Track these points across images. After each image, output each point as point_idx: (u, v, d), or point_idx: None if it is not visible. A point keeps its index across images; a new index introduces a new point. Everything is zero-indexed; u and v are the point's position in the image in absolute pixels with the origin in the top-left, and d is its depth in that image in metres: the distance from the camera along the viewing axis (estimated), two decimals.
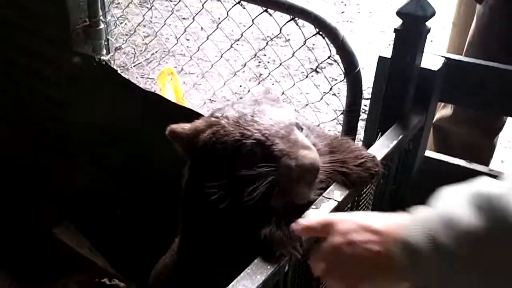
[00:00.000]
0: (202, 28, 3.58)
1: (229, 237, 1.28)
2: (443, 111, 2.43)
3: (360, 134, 2.08)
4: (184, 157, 1.41)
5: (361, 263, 1.03)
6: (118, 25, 3.39)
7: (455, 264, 0.91)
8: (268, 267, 1.10)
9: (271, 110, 1.30)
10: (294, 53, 2.04)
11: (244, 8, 2.02)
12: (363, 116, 2.31)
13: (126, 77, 2.43)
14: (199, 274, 1.42)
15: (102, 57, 2.47)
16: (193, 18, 2.39)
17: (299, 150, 1.18)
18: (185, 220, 1.48)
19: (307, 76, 2.13)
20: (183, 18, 4.07)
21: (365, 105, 2.27)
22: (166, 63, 4.41)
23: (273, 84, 3.86)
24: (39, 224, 2.79)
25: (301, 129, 1.29)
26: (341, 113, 1.93)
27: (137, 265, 2.42)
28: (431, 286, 0.97)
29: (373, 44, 5.24)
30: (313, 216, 1.21)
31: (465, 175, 1.80)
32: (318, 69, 3.91)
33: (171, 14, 2.56)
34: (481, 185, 0.95)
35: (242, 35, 2.20)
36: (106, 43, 2.54)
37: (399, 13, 1.54)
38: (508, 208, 0.86)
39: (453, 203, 0.95)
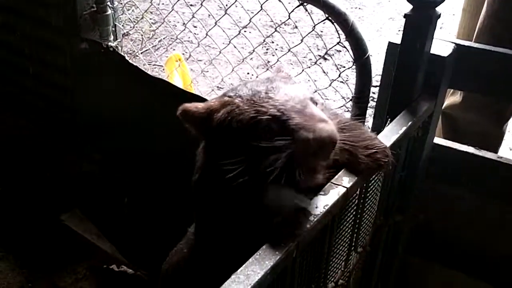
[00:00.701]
0: (209, 14, 3.55)
1: (245, 218, 1.28)
2: (452, 98, 2.42)
3: (369, 121, 2.08)
4: (198, 137, 1.40)
5: None
6: (125, 12, 3.37)
7: None
8: (277, 252, 1.10)
9: (285, 86, 1.29)
10: (302, 39, 2.02)
11: None
12: (372, 103, 2.30)
13: (134, 63, 2.43)
14: (217, 258, 1.42)
15: (109, 43, 2.47)
16: (201, 4, 2.37)
17: (316, 123, 1.17)
18: (200, 204, 1.47)
19: (315, 63, 2.12)
20: (191, 5, 4.05)
21: (374, 93, 2.26)
22: (174, 50, 4.40)
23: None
24: (47, 211, 2.81)
25: (315, 103, 1.28)
26: (350, 100, 1.92)
27: (145, 252, 2.44)
28: None
29: (382, 31, 5.21)
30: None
31: (474, 162, 1.82)
32: (326, 56, 3.89)
33: (178, 0, 2.55)
34: None
35: (250, 21, 2.19)
36: (113, 29, 2.53)
37: None
38: None
39: None
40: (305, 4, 1.83)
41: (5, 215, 2.87)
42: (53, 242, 2.72)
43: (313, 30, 1.94)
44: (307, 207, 1.21)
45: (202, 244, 1.52)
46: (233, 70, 2.46)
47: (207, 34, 2.46)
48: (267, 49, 4.60)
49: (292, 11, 1.94)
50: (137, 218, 2.61)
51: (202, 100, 2.05)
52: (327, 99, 3.69)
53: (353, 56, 1.77)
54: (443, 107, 2.05)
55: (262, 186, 1.20)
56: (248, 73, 4.22)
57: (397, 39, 1.64)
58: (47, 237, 2.74)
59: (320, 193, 1.26)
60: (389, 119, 1.65)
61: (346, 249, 1.51)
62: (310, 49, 3.65)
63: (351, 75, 3.76)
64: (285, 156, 1.16)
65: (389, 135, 1.50)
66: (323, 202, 1.24)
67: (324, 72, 2.29)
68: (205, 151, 1.39)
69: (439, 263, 2.01)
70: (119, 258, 2.64)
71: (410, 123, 1.57)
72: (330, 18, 1.75)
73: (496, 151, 2.47)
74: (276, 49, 4.58)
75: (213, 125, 1.31)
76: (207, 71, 3.87)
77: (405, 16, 1.55)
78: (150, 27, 4.65)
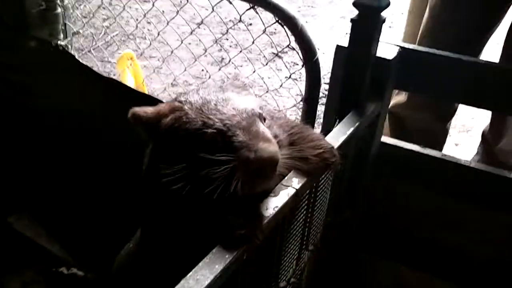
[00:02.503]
0: (163, 11, 3.55)
1: (189, 223, 1.29)
2: (398, 97, 2.49)
3: (320, 119, 2.11)
4: (146, 141, 1.41)
5: None
6: (77, 8, 3.32)
7: None
8: (227, 256, 1.11)
9: (235, 98, 1.30)
10: (254, 40, 2.05)
11: None
12: (324, 100, 2.34)
13: (85, 61, 2.39)
14: (161, 261, 1.43)
15: (59, 42, 2.43)
16: (153, 4, 2.36)
17: (259, 142, 1.18)
18: (145, 206, 1.48)
19: (267, 64, 2.15)
20: (144, 1, 4.02)
21: (326, 90, 2.30)
22: (127, 46, 4.35)
23: (235, 68, 3.86)
24: None
25: (263, 119, 1.30)
26: (301, 100, 1.95)
27: (95, 254, 2.41)
28: None
29: (334, 29, 5.28)
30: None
31: (420, 159, 1.89)
32: (280, 54, 3.93)
33: None
34: None
35: (202, 21, 2.20)
36: (63, 27, 2.49)
37: (355, 4, 1.57)
38: None
39: None
40: (255, 6, 1.85)
41: None
42: (0, 245, 2.65)
43: (264, 32, 1.96)
44: (258, 209, 1.23)
45: (147, 246, 1.53)
46: (185, 69, 2.46)
47: (159, 33, 2.45)
48: (221, 47, 4.61)
49: (243, 13, 1.95)
50: (88, 219, 2.57)
51: (154, 100, 2.06)
52: (280, 96, 3.74)
53: (302, 58, 1.80)
54: (389, 106, 2.12)
55: (203, 197, 1.21)
56: (202, 70, 4.21)
57: (345, 42, 1.69)
58: None
59: (271, 194, 1.29)
60: (338, 120, 1.69)
61: (297, 248, 1.53)
62: (264, 47, 3.67)
63: (304, 73, 3.81)
64: (224, 170, 1.17)
65: (337, 135, 1.54)
66: (273, 204, 1.26)
67: (278, 70, 2.31)
68: (151, 153, 1.40)
69: (390, 259, 2.07)
70: (69, 260, 2.60)
71: (357, 123, 1.61)
72: (279, 21, 1.77)
73: (441, 147, 2.56)
74: (230, 46, 4.59)
75: (161, 130, 1.31)
76: (161, 68, 3.84)
77: (352, 21, 1.59)
78: (102, 23, 4.57)
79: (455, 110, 2.53)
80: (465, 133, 3.74)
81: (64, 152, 2.57)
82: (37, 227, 2.70)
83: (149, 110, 1.35)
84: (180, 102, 1.32)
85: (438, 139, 2.53)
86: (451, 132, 2.75)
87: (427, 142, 1.97)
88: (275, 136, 1.28)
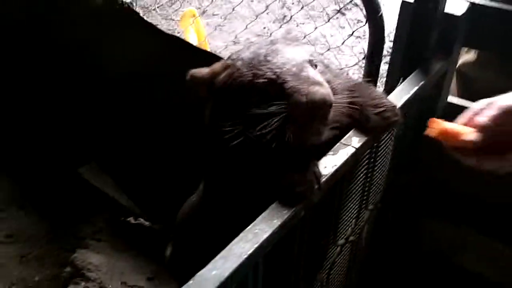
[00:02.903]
0: None
1: (250, 178, 1.31)
2: (467, 56, 2.38)
3: (384, 78, 2.07)
4: (204, 100, 1.44)
5: None
6: None
7: None
8: (285, 211, 1.12)
9: (285, 49, 1.30)
10: None
11: None
12: (388, 58, 2.28)
13: (150, 19, 2.43)
14: (223, 214, 1.47)
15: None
16: None
17: (310, 86, 1.17)
18: (207, 160, 1.52)
19: (328, 21, 2.10)
20: None
21: (390, 48, 2.24)
22: (190, 4, 4.36)
23: (297, 26, 3.81)
24: (64, 164, 2.87)
25: (315, 66, 1.29)
26: (363, 58, 1.91)
27: (163, 205, 2.49)
28: None
29: None
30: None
31: None
32: (343, 11, 3.83)
33: None
34: None
35: None
36: None
37: None
38: None
39: None
40: None
41: (25, 170, 2.95)
42: (71, 195, 2.79)
43: None
44: (316, 167, 1.24)
45: (209, 199, 1.57)
46: (246, 26, 2.45)
47: None
48: (284, 3, 4.54)
49: None
50: (154, 171, 2.66)
51: (214, 57, 2.08)
52: (343, 54, 3.67)
53: (365, 15, 1.75)
54: (457, 65, 2.04)
55: (260, 151, 1.22)
56: (264, 28, 4.19)
57: None
58: (66, 190, 2.81)
59: (329, 153, 1.29)
60: (402, 79, 1.64)
61: (356, 207, 1.54)
62: (323, 7, 3.58)
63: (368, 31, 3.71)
64: (279, 119, 1.17)
65: (400, 94, 1.50)
66: (332, 162, 1.26)
67: (341, 27, 2.26)
68: (211, 110, 1.43)
69: (452, 223, 2.03)
70: (135, 211, 2.71)
71: (422, 82, 1.56)
72: None
73: None
74: (293, 3, 4.51)
75: (216, 87, 1.34)
76: (224, 26, 3.84)
77: None
78: None
79: None
80: None
81: (130, 106, 2.64)
82: (106, 178, 2.82)
83: (205, 70, 1.38)
84: (232, 59, 1.34)
85: None
86: None
87: None
88: (328, 82, 1.25)
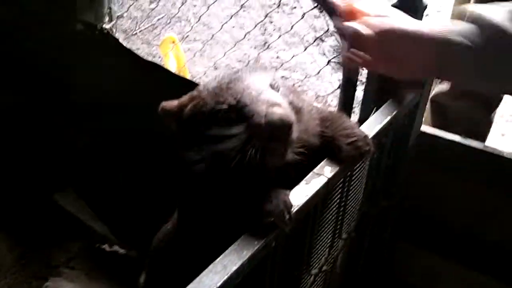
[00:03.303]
0: None
1: (221, 207, 1.30)
2: (441, 85, 2.43)
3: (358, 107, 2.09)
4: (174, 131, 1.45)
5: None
6: None
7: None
8: (255, 242, 1.12)
9: (247, 76, 1.32)
10: (293, 25, 2.03)
11: None
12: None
13: (130, 43, 2.44)
14: (196, 242, 1.46)
15: (104, 25, 2.48)
16: None
17: (268, 107, 1.18)
18: (180, 189, 1.53)
19: (305, 50, 2.12)
20: None
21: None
22: (172, 29, 4.38)
23: (277, 52, 3.84)
24: (40, 190, 2.84)
25: (277, 88, 1.30)
26: (338, 86, 1.93)
27: (138, 232, 2.47)
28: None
29: None
30: None
31: (461, 150, 1.84)
32: (323, 38, 3.87)
33: None
34: None
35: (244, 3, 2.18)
36: (109, 10, 2.54)
37: None
38: None
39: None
40: None
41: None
42: (46, 221, 2.75)
43: (302, 18, 1.94)
44: (287, 196, 1.23)
45: (183, 227, 1.57)
46: (225, 54, 2.46)
47: (200, 17, 2.46)
48: (265, 30, 4.58)
49: None
50: (130, 197, 2.64)
51: (192, 84, 2.09)
52: (322, 81, 3.70)
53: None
54: (431, 95, 2.07)
55: (226, 174, 1.23)
56: (245, 54, 4.21)
57: None
58: (41, 216, 2.77)
59: (302, 182, 1.29)
60: (375, 108, 1.66)
61: (330, 236, 1.53)
62: (307, 31, 3.62)
63: None
64: (241, 141, 1.19)
65: (373, 124, 1.52)
66: (304, 192, 1.26)
67: (321, 54, 2.28)
68: (180, 141, 1.44)
69: (426, 249, 2.04)
70: (111, 238, 2.68)
71: (394, 112, 1.58)
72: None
73: (485, 138, 2.49)
74: (274, 30, 4.55)
75: (183, 119, 1.36)
76: (205, 51, 3.86)
77: (392, 5, 1.55)
78: (149, 5, 4.63)
79: (501, 99, 2.44)
80: None
81: (106, 133, 2.64)
82: (82, 204, 2.79)
83: (174, 103, 1.40)
84: (199, 90, 1.37)
85: (482, 129, 2.46)
86: (498, 121, 2.65)
87: (471, 132, 1.92)
88: (291, 103, 1.27)
